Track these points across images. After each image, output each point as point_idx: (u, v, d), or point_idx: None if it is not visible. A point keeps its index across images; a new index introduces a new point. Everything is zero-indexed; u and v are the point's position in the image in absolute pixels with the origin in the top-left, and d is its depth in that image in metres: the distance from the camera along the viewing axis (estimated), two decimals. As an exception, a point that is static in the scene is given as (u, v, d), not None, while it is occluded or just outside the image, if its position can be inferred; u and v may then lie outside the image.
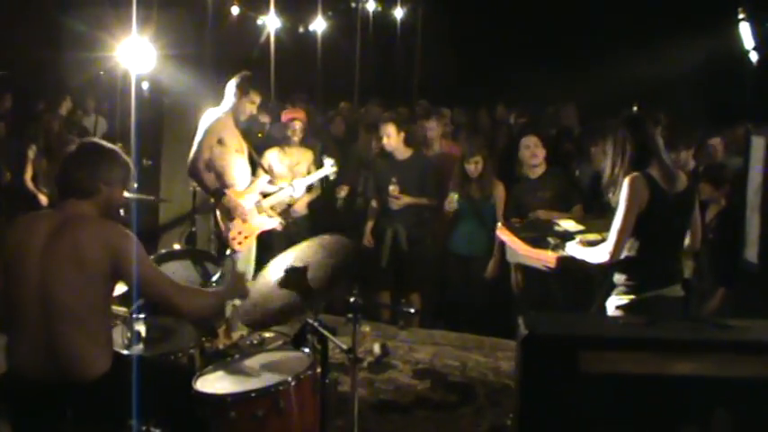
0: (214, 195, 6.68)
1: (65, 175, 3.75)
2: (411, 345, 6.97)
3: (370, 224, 7.89)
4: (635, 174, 4.50)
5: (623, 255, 4.57)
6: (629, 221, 4.48)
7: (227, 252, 6.56)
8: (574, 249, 5.03)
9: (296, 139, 7.80)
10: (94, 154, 3.81)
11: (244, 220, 6.72)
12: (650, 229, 4.51)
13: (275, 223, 7.05)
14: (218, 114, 6.66)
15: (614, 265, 4.64)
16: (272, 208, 7.19)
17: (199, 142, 6.60)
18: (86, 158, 3.77)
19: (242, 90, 6.64)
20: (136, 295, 3.65)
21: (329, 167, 7.50)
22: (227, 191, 6.64)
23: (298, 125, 7.80)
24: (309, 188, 7.63)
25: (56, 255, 3.55)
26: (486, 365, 6.54)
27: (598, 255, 4.67)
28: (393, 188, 7.48)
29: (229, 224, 6.68)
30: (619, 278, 4.68)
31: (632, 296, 4.60)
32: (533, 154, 6.96)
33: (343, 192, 8.33)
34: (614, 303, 4.68)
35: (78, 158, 3.76)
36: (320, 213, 8.16)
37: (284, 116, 8.00)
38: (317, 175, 7.56)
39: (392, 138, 7.57)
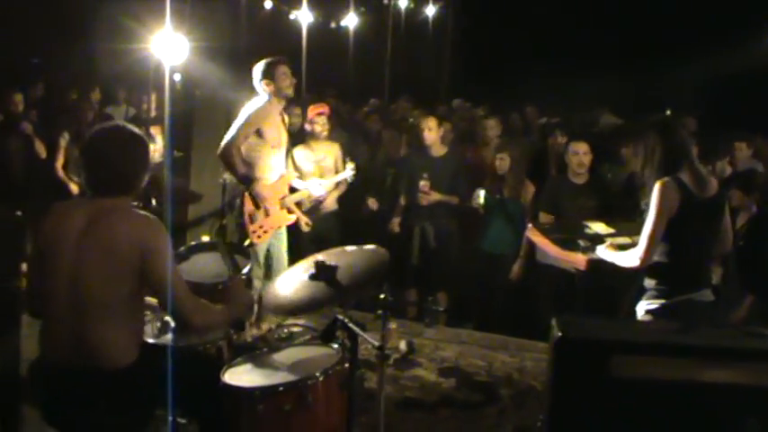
0: (243, 181, 6.68)
1: (104, 169, 3.67)
2: (437, 343, 6.95)
3: (396, 219, 7.90)
4: (666, 179, 4.48)
5: (654, 259, 4.56)
6: (659, 227, 4.47)
7: (246, 243, 6.58)
8: (604, 253, 5.00)
9: (325, 133, 7.79)
10: (140, 148, 3.75)
11: (267, 214, 6.72)
12: (681, 234, 4.48)
13: (292, 219, 7.04)
14: (261, 104, 6.62)
15: (644, 269, 4.62)
16: (296, 205, 7.21)
17: (237, 127, 6.54)
18: (127, 152, 3.70)
19: (269, 72, 6.62)
20: (170, 292, 3.61)
21: (349, 172, 7.50)
22: (256, 179, 6.65)
23: (324, 119, 7.79)
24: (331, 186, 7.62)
25: (89, 245, 3.55)
26: (512, 366, 6.52)
27: (629, 259, 4.65)
28: (423, 183, 7.49)
29: (254, 214, 6.68)
30: (649, 283, 4.67)
31: (662, 301, 4.58)
32: (581, 162, 6.91)
33: (374, 204, 8.33)
34: (644, 308, 4.67)
35: (118, 152, 3.67)
36: (349, 210, 8.16)
37: (310, 112, 7.98)
38: (336, 179, 7.57)
39: (432, 131, 7.60)
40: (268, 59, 6.69)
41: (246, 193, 6.68)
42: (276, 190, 6.78)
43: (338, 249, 4.40)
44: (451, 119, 9.91)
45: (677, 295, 4.56)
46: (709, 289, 4.65)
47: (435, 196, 7.55)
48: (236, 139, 6.54)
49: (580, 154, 6.91)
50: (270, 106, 6.62)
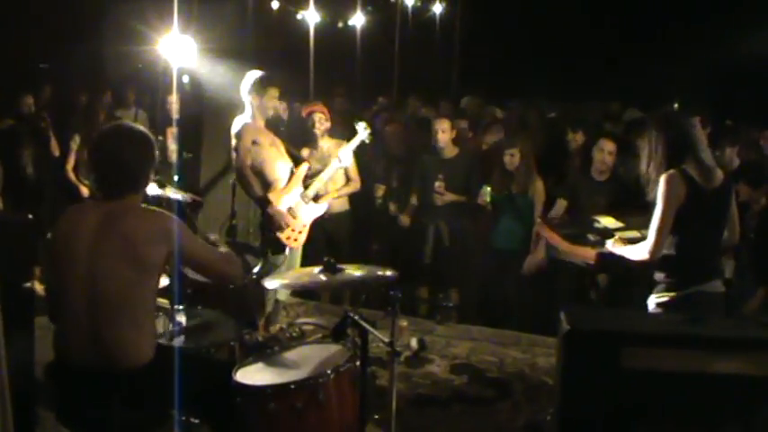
0: (259, 203, 6.73)
1: (115, 170, 3.72)
2: (448, 340, 6.97)
3: (407, 217, 7.89)
4: (671, 171, 4.50)
5: (663, 252, 4.56)
6: (667, 219, 4.48)
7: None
8: (614, 247, 5.01)
9: (318, 132, 7.58)
10: (147, 146, 3.80)
11: (294, 216, 6.74)
12: (688, 225, 4.49)
13: (324, 208, 7.07)
14: (246, 120, 6.68)
15: (654, 262, 4.63)
16: (322, 193, 7.23)
17: (235, 148, 6.65)
18: (137, 152, 3.75)
19: (259, 90, 6.64)
20: (178, 282, 3.68)
21: (363, 131, 7.30)
22: (270, 197, 6.67)
23: (318, 116, 7.59)
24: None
25: (104, 247, 3.58)
26: (524, 361, 6.53)
27: (638, 253, 4.66)
28: (439, 184, 7.50)
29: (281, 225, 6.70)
30: (658, 275, 4.67)
31: (672, 293, 4.58)
32: (604, 160, 6.89)
33: (380, 191, 8.27)
34: (654, 301, 4.67)
35: (128, 152, 3.72)
36: (359, 209, 8.16)
37: (304, 111, 7.91)
38: (355, 142, 7.31)
39: (446, 133, 7.60)
40: (261, 75, 6.70)
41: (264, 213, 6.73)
42: (293, 190, 6.79)
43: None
44: (464, 116, 9.89)
45: (687, 287, 4.56)
46: (719, 280, 4.65)
47: (449, 196, 7.55)
48: (243, 159, 6.63)
49: (605, 152, 6.88)
50: (253, 122, 6.69)
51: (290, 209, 6.77)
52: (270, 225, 6.70)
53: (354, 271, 4.27)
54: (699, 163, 4.54)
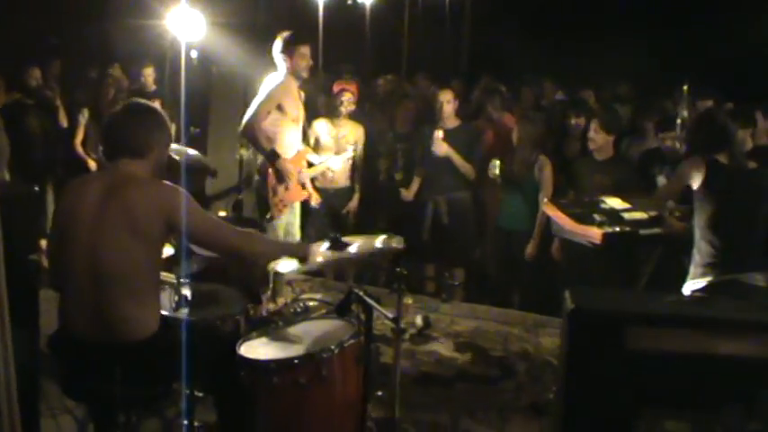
0: (269, 157, 6.67)
1: (115, 134, 3.76)
2: (453, 318, 6.95)
3: (410, 191, 7.89)
4: (696, 156, 4.60)
5: (700, 238, 4.61)
6: (673, 184, 4.92)
7: (267, 217, 6.62)
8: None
9: (344, 110, 7.72)
10: (145, 114, 3.83)
11: (286, 188, 6.73)
12: (721, 206, 4.54)
13: (306, 195, 7.12)
14: (280, 79, 6.65)
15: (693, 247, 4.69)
16: (312, 180, 7.26)
17: (259, 104, 6.57)
18: (137, 118, 3.79)
19: (289, 49, 6.62)
20: (185, 255, 3.66)
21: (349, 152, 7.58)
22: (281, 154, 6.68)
23: (348, 97, 7.72)
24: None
25: (106, 217, 3.58)
26: (528, 341, 6.52)
27: None
28: (438, 133, 7.45)
29: (278, 188, 6.69)
30: (695, 260, 4.69)
31: (707, 279, 4.60)
32: (592, 139, 6.88)
33: (384, 166, 8.29)
34: (690, 287, 4.68)
35: (129, 118, 3.78)
36: (363, 184, 8.16)
37: (335, 87, 7.96)
38: (344, 157, 7.59)
39: (450, 104, 7.57)
40: (291, 34, 6.69)
41: (271, 169, 6.69)
42: (294, 165, 6.80)
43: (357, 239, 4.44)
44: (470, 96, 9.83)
45: (723, 274, 4.56)
46: (761, 274, 4.62)
47: (447, 148, 7.48)
48: (258, 116, 6.56)
49: (591, 133, 6.89)
50: (288, 81, 6.63)
51: None
52: (279, 177, 6.68)
53: (360, 245, 4.28)
54: (731, 154, 4.62)
